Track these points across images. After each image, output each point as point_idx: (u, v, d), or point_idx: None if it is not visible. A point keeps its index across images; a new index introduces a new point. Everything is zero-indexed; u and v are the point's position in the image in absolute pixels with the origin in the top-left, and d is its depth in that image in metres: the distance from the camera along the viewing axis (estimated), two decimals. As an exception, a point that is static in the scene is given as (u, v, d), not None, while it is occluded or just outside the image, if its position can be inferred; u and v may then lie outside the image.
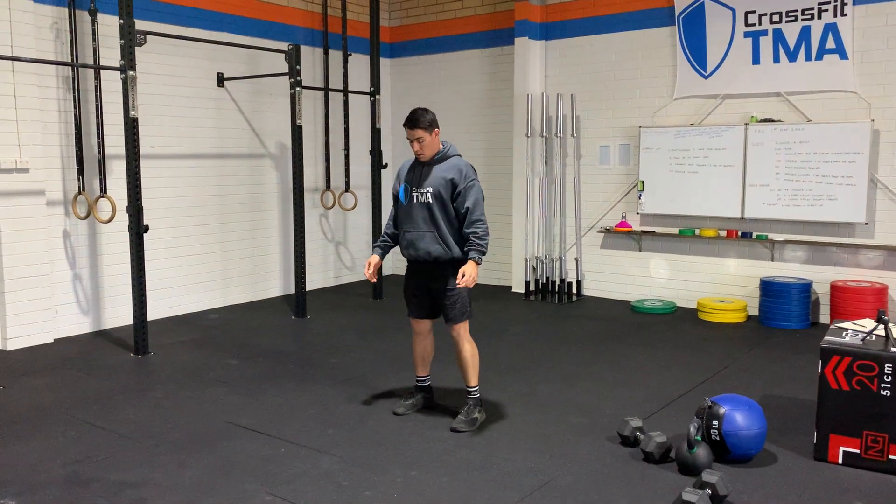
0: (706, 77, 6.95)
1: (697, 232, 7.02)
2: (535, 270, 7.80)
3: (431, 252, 3.96)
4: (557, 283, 7.68)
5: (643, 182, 7.22)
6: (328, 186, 8.20)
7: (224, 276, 7.45)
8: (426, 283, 4.08)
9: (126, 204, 5.57)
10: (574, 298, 7.64)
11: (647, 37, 7.24)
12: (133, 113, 5.48)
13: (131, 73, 5.43)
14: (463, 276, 3.81)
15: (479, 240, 3.88)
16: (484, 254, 3.91)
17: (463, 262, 3.93)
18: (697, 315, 6.83)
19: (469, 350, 4.07)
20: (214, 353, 5.69)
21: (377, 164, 7.67)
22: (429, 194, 3.96)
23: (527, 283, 7.81)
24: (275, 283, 7.99)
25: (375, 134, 7.63)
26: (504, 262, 8.31)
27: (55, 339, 6.01)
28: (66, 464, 3.62)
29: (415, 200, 4.00)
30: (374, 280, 4.17)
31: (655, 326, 6.50)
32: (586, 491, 3.33)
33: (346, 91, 7.94)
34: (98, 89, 5.98)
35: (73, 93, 5.99)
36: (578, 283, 7.69)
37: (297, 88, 6.68)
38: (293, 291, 7.97)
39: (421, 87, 8.83)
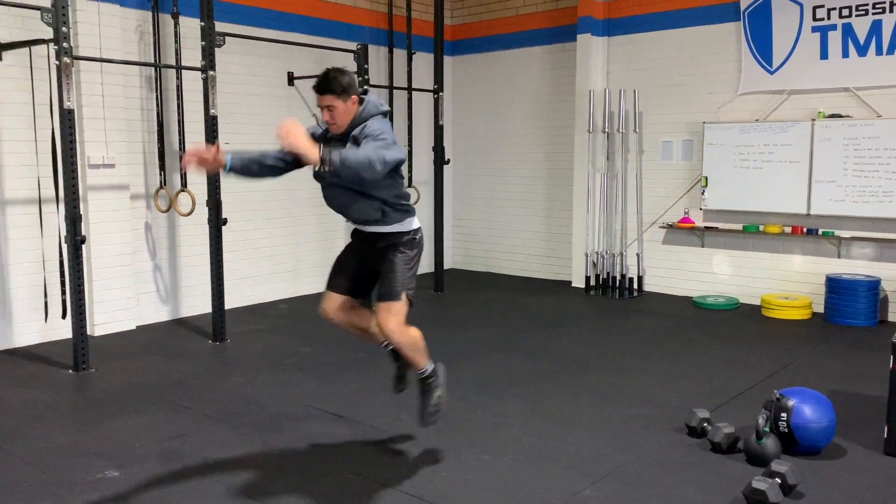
0: (772, 72, 6.90)
1: (761, 228, 6.98)
2: (596, 266, 7.86)
3: (370, 219, 3.28)
4: (618, 278, 7.73)
5: (706, 178, 7.21)
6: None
7: (293, 268, 7.72)
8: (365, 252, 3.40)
9: (206, 198, 5.86)
10: (635, 294, 7.67)
11: (711, 32, 7.22)
12: (213, 111, 5.75)
13: (211, 72, 5.70)
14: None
15: (347, 162, 2.83)
16: (330, 168, 2.81)
17: (404, 242, 3.30)
18: (761, 312, 6.80)
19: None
20: (288, 341, 5.94)
21: (440, 160, 7.83)
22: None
23: (587, 279, 7.87)
24: (340, 276, 8.22)
25: (439, 130, 7.79)
26: (563, 258, 8.39)
27: (137, 326, 6.34)
28: (159, 441, 3.88)
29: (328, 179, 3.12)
30: (186, 165, 3.22)
31: (718, 322, 6.51)
32: (655, 478, 3.43)
33: (409, 89, 8.12)
34: (179, 89, 6.27)
35: (156, 92, 6.30)
36: (639, 278, 7.72)
37: (366, 87, 6.88)
38: (357, 284, 8.23)
39: (481, 85, 8.96)
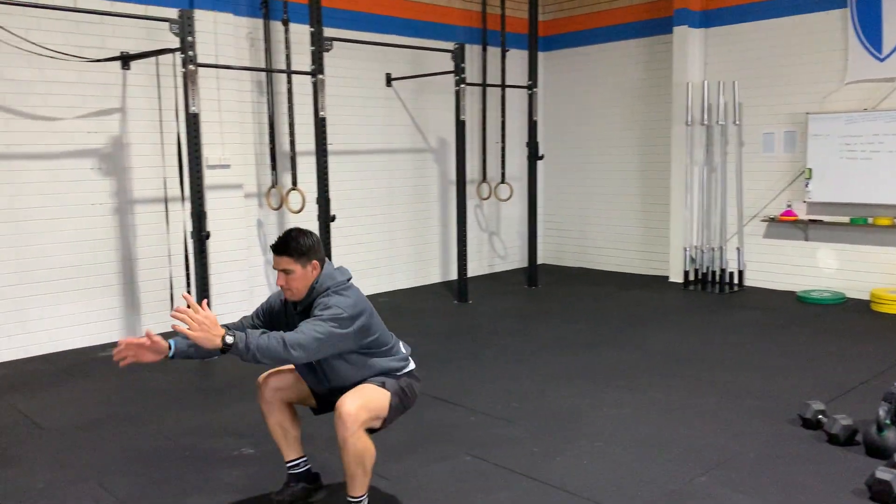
0: (882, 60, 6.66)
1: (870, 220, 6.76)
2: (695, 261, 7.78)
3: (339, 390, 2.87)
4: (718, 273, 7.62)
5: (810, 170, 7.03)
6: (484, 178, 8.54)
7: (390, 263, 7.96)
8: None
9: (315, 196, 6.14)
10: (735, 289, 7.55)
11: (815, 20, 7.03)
12: (322, 113, 6.03)
13: (321, 76, 5.98)
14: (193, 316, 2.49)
15: (265, 345, 2.54)
16: (248, 350, 2.51)
17: (384, 374, 2.92)
18: (870, 306, 6.59)
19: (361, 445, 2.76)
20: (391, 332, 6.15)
21: (533, 156, 7.91)
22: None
23: (685, 273, 7.80)
24: (435, 270, 8.43)
25: (532, 126, 7.87)
26: (660, 252, 8.33)
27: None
28: (217, 435, 4.12)
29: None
30: (120, 361, 2.66)
31: (825, 317, 6.36)
32: (771, 467, 3.44)
33: (503, 86, 8.24)
34: (290, 92, 6.59)
35: (267, 96, 6.64)
36: (740, 273, 7.59)
37: (462, 85, 7.04)
38: (451, 278, 8.42)
39: (574, 80, 8.99)
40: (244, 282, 6.60)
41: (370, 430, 2.81)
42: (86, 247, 5.83)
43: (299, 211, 6.57)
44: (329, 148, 7.03)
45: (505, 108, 8.41)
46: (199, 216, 5.37)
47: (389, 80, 7.72)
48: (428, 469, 3.50)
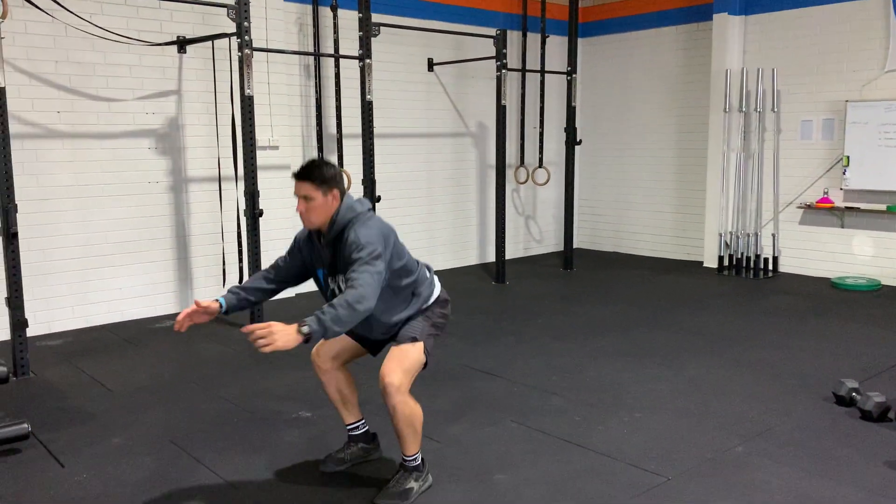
0: (924, 47, 6.68)
1: (908, 208, 6.81)
2: (729, 246, 7.87)
3: (384, 333, 3.07)
4: (752, 258, 7.71)
5: (848, 157, 7.08)
6: (522, 162, 8.69)
7: (429, 244, 8.16)
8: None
9: (361, 177, 6.36)
10: (770, 275, 7.64)
11: (855, 8, 7.05)
12: (369, 97, 6.23)
13: (368, 61, 6.17)
14: (265, 334, 2.53)
15: (337, 315, 2.59)
16: (320, 334, 2.60)
17: (413, 317, 3.02)
18: (906, 293, 6.67)
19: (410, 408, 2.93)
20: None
21: (571, 141, 8.04)
22: (341, 281, 2.89)
23: (720, 259, 7.90)
24: (472, 252, 8.62)
25: (571, 112, 7.99)
26: (694, 238, 8.43)
27: (296, 294, 6.95)
28: (283, 399, 4.36)
29: (338, 291, 2.93)
30: (180, 329, 2.85)
31: (860, 303, 6.44)
32: (806, 439, 3.59)
33: (542, 71, 8.36)
34: (338, 76, 6.79)
35: (315, 79, 6.85)
36: (775, 259, 7.68)
37: (503, 71, 7.19)
38: (488, 260, 8.61)
39: (611, 66, 9.08)
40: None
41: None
42: (143, 223, 6.11)
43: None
44: (375, 131, 7.27)
45: (544, 94, 8.54)
46: (252, 195, 5.60)
47: (431, 64, 7.89)
48: (476, 434, 3.71)
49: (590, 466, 3.34)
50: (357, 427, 3.33)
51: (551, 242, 9.46)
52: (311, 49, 6.83)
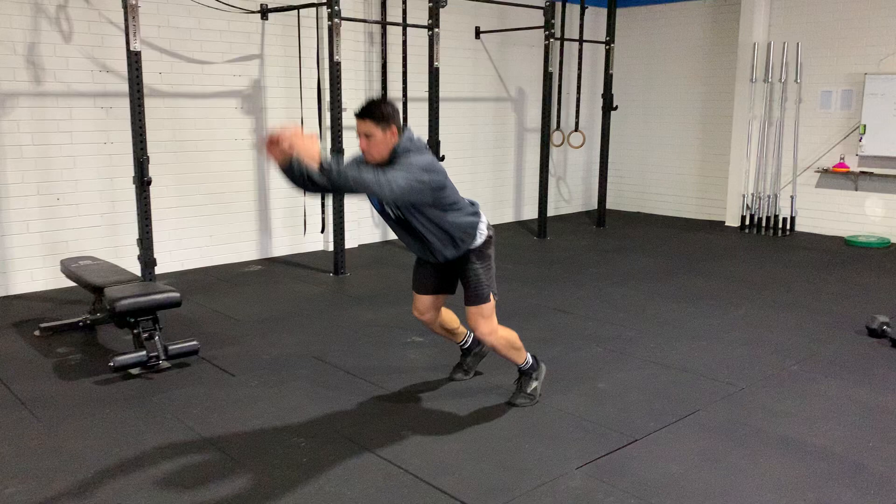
0: (938, 26, 7.31)
1: (917, 173, 7.51)
2: (750, 207, 8.55)
3: (445, 256, 3.37)
4: (772, 218, 8.41)
5: (864, 126, 7.75)
6: (557, 126, 9.28)
7: (472, 202, 8.77)
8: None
9: (427, 138, 6.94)
10: (788, 233, 8.35)
11: (878, -13, 7.66)
12: (437, 64, 6.78)
13: (437, 30, 6.71)
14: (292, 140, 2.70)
15: (346, 176, 2.79)
16: (329, 175, 2.76)
17: (475, 252, 3.39)
18: (913, 250, 7.39)
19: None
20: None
21: (608, 107, 8.64)
22: (393, 208, 3.19)
23: (742, 218, 8.59)
24: (509, 210, 9.26)
25: (608, 79, 8.58)
26: (716, 199, 9.11)
27: (359, 245, 7.57)
28: (389, 328, 5.01)
29: (391, 215, 3.26)
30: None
31: (872, 258, 7.16)
32: (849, 362, 4.30)
33: (581, 40, 8.91)
34: (405, 44, 7.33)
35: (382, 47, 7.38)
36: (792, 218, 8.38)
37: (551, 40, 7.75)
38: (524, 217, 9.26)
39: (642, 36, 9.64)
40: (354, 213, 7.44)
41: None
42: (229, 177, 6.68)
43: (408, 151, 7.36)
44: (423, 95, 7.83)
45: (581, 62, 9.09)
46: (338, 152, 6.18)
47: (478, 32, 8.42)
48: (569, 355, 4.38)
49: (674, 378, 4.03)
50: (466, 341, 3.96)
51: (579, 202, 10.12)
52: (377, 17, 7.35)
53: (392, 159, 3.07)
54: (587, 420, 3.49)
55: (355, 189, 2.85)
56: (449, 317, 3.78)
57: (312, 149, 2.72)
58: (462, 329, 3.86)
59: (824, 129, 8.18)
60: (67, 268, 4.71)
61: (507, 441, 3.27)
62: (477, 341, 3.96)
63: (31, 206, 5.62)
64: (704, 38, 9.08)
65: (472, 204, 3.40)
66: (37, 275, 5.71)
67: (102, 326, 4.79)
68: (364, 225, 7.71)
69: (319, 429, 3.38)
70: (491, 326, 3.42)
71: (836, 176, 8.12)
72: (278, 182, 6.98)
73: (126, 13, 4.91)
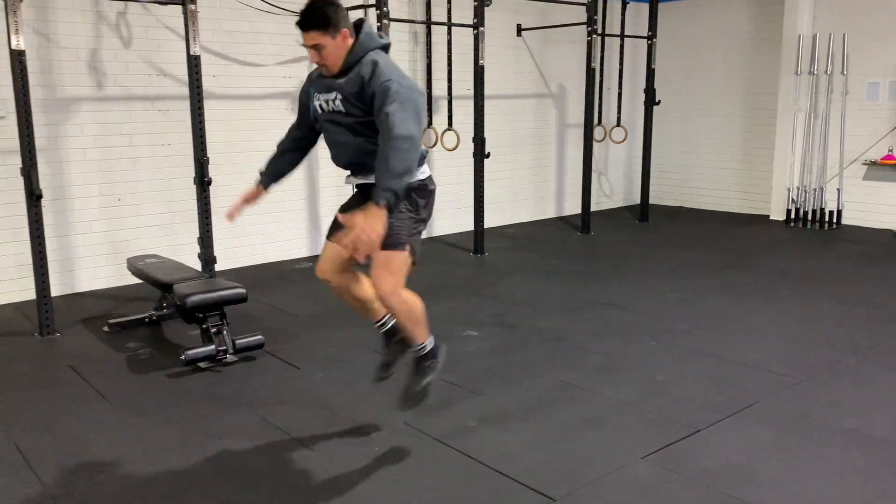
0: None
1: (969, 164, 7.40)
2: (795, 201, 8.50)
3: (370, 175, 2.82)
4: (818, 211, 8.34)
5: (913, 117, 7.66)
6: (599, 121, 9.29)
7: (513, 198, 8.85)
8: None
9: (472, 135, 7.02)
10: (834, 226, 8.28)
11: (927, -24, 7.56)
12: (482, 62, 6.86)
13: (482, 28, 6.79)
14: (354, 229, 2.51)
15: (390, 170, 2.53)
16: (397, 195, 2.56)
17: (416, 188, 2.85)
18: (965, 242, 7.30)
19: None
20: (534, 255, 7.10)
21: (650, 101, 8.64)
22: (337, 100, 2.81)
23: (787, 212, 8.53)
24: (550, 206, 9.31)
25: (650, 74, 8.58)
26: (761, 193, 9.05)
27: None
28: (493, 315, 5.11)
29: (320, 110, 2.93)
30: (231, 218, 3.04)
31: (923, 250, 7.10)
32: (905, 353, 4.31)
33: (622, 35, 8.92)
34: (450, 43, 7.42)
35: (426, 45, 7.48)
36: (839, 212, 8.30)
37: (594, 36, 7.78)
38: (565, 213, 9.31)
39: (683, 29, 9.61)
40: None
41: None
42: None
43: (454, 149, 7.47)
44: (468, 93, 7.91)
45: (623, 57, 9.10)
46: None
47: (520, 30, 8.48)
48: (624, 349, 4.44)
49: (729, 371, 4.07)
50: (386, 322, 3.21)
51: (620, 197, 10.13)
52: (421, 17, 7.45)
53: (352, 63, 2.74)
54: (648, 411, 3.55)
55: (414, 163, 2.60)
56: (364, 287, 3.13)
57: (377, 221, 2.49)
58: (379, 304, 3.10)
59: (871, 121, 8.09)
60: (134, 265, 4.89)
61: (570, 431, 3.35)
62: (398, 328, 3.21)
63: (93, 207, 5.83)
64: (747, 30, 9.02)
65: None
66: (100, 273, 5.92)
67: (167, 322, 4.96)
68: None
69: (386, 419, 3.49)
70: (394, 284, 2.82)
71: (884, 168, 8.03)
72: (326, 180, 7.13)
73: (186, 18, 5.07)
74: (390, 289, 2.81)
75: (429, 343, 3.03)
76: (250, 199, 3.22)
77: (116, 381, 4.02)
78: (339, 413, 3.58)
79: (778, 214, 8.74)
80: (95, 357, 4.39)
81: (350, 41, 2.75)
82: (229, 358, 4.19)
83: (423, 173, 2.89)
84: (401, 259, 2.83)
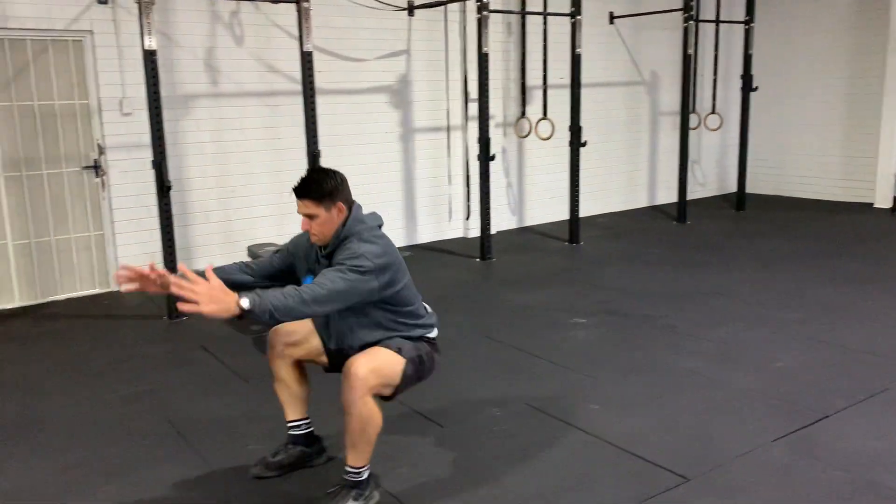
0: None
1: None
2: (902, 187, 8.18)
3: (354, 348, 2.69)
4: (927, 197, 8.01)
5: None
6: (693, 109, 9.14)
7: (604, 187, 8.80)
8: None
9: (568, 124, 7.04)
10: (945, 213, 7.94)
11: None
12: (578, 50, 6.86)
13: (578, 17, 6.79)
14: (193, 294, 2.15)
15: (286, 298, 2.30)
16: (265, 312, 2.25)
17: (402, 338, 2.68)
18: None
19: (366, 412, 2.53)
20: (630, 244, 7.07)
21: (747, 88, 8.45)
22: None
23: (894, 199, 8.21)
24: (642, 195, 9.21)
25: (748, 59, 8.39)
26: (864, 180, 8.73)
27: (497, 231, 7.76)
28: (599, 302, 5.15)
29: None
30: (120, 282, 2.48)
31: None
32: None
33: (717, 21, 8.74)
34: (545, 32, 7.45)
35: (520, 35, 7.53)
36: (951, 197, 7.95)
37: (690, 22, 7.67)
38: (658, 202, 9.21)
39: (782, 14, 9.33)
40: (500, 198, 7.64)
41: (381, 398, 2.61)
42: (377, 167, 7.01)
43: (548, 138, 7.50)
44: (560, 82, 7.91)
45: (718, 43, 8.92)
46: (485, 142, 6.38)
47: (612, 18, 8.42)
48: (739, 336, 4.40)
49: (852, 358, 3.99)
50: (300, 426, 2.95)
51: (713, 186, 9.94)
52: (516, 8, 7.49)
53: (336, 238, 2.60)
54: (772, 397, 3.53)
55: (289, 320, 2.38)
56: (303, 379, 2.91)
57: (222, 304, 2.18)
58: (305, 406, 2.94)
59: None
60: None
61: (696, 416, 3.37)
62: (314, 439, 3.00)
63: (210, 198, 6.13)
64: (850, 10, 8.71)
65: (426, 309, 2.82)
66: (216, 261, 6.22)
67: (284, 307, 5.19)
68: (501, 212, 7.90)
69: (509, 400, 3.58)
70: (370, 377, 2.49)
71: None
72: (423, 171, 7.27)
73: (300, 16, 5.28)
74: (364, 375, 2.48)
75: (367, 472, 2.65)
76: (151, 281, 2.48)
77: (247, 360, 4.24)
78: (462, 394, 3.69)
79: (883, 202, 8.42)
80: (223, 338, 4.64)
81: (343, 215, 2.61)
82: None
83: (434, 332, 2.82)
84: (394, 365, 2.58)
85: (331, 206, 2.58)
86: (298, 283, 2.53)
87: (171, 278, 2.25)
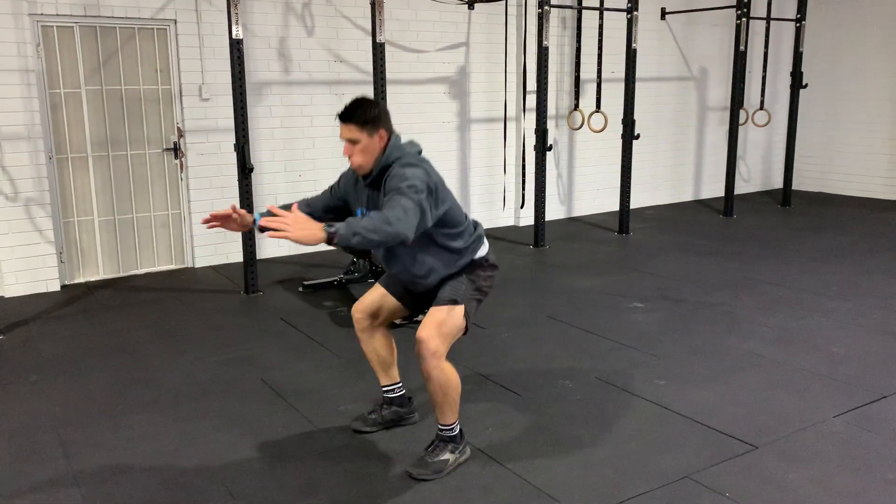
0: None
1: None
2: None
3: (423, 287, 2.92)
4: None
5: None
6: (742, 104, 9.24)
7: (653, 180, 8.95)
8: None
9: (621, 117, 7.22)
10: None
11: None
12: (634, 45, 7.03)
13: (635, 13, 6.96)
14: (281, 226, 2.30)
15: (366, 226, 2.39)
16: (353, 233, 2.36)
17: (467, 268, 2.88)
18: None
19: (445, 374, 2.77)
20: (679, 236, 7.23)
21: (797, 85, 8.54)
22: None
23: (943, 197, 8.27)
24: (688, 189, 9.35)
25: (798, 57, 8.48)
26: (912, 178, 8.79)
27: (546, 221, 7.97)
28: (655, 289, 5.34)
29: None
30: (208, 222, 2.71)
31: None
32: None
33: (768, 18, 8.83)
34: (601, 27, 7.62)
35: (576, 30, 7.71)
36: None
37: (743, 19, 7.79)
38: (703, 196, 9.34)
39: (833, 11, 9.39)
40: (550, 187, 7.83)
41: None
42: (437, 156, 7.17)
43: (601, 130, 7.69)
44: (612, 76, 8.08)
45: (768, 40, 9.01)
46: (543, 132, 6.60)
47: (664, 13, 8.56)
48: (792, 324, 4.58)
49: (907, 347, 4.17)
50: (393, 390, 3.21)
51: (758, 182, 10.04)
52: (574, 3, 7.68)
53: (382, 168, 2.72)
54: (831, 377, 3.72)
55: (377, 239, 2.42)
56: (390, 346, 3.13)
57: (309, 231, 2.32)
58: (396, 371, 3.20)
59: None
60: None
61: (759, 392, 3.57)
62: (406, 400, 3.27)
63: (279, 182, 6.43)
64: (903, 10, 8.75)
65: (476, 226, 2.95)
66: (283, 242, 6.52)
67: (353, 285, 5.47)
68: (551, 202, 8.10)
69: (578, 374, 3.81)
70: (440, 346, 2.70)
71: None
72: (478, 161, 7.50)
73: (373, 9, 5.53)
74: (434, 348, 2.67)
75: (457, 427, 2.90)
76: (233, 220, 2.74)
77: (326, 331, 4.52)
78: (532, 366, 3.93)
79: (933, 199, 8.48)
80: (300, 312, 4.93)
81: (384, 143, 2.73)
82: (420, 318, 4.60)
83: (481, 251, 2.92)
84: (456, 318, 2.76)
85: (373, 133, 2.69)
86: (353, 216, 2.67)
87: (263, 220, 2.35)
